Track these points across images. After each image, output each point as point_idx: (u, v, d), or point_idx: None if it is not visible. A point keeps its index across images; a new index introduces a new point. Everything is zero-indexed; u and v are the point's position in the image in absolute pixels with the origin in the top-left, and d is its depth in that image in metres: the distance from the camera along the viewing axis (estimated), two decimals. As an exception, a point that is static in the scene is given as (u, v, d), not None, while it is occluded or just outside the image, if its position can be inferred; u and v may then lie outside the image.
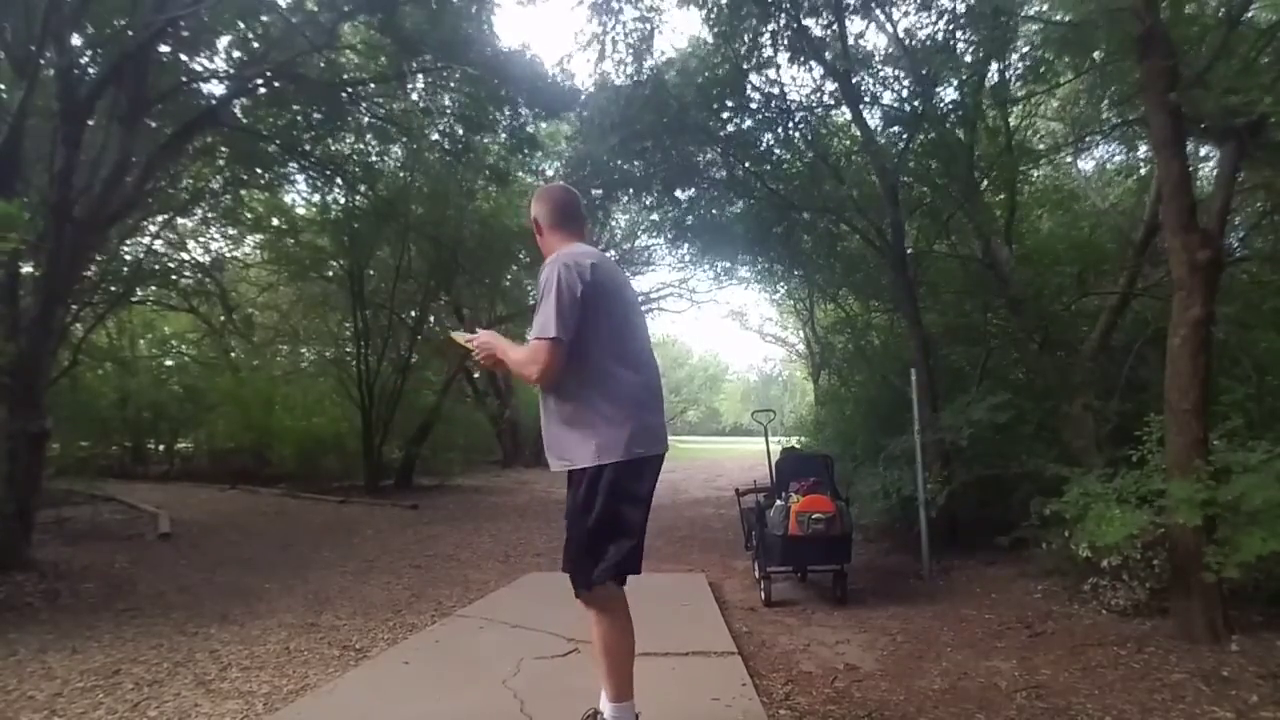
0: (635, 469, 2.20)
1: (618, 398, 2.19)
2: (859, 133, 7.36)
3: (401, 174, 11.69)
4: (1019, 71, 6.83)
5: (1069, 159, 9.29)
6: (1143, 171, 7.67)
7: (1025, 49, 6.59)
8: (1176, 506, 3.59)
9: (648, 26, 7.15)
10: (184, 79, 7.61)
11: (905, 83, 7.12)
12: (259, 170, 9.97)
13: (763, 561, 4.96)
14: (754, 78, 7.48)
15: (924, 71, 6.58)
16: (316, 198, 11.87)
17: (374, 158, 10.90)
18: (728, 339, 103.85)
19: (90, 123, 6.23)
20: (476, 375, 17.52)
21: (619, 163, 7.88)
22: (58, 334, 6.64)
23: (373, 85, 8.91)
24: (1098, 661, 3.52)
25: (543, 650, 3.51)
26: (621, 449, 2.16)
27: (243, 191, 10.84)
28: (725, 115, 7.75)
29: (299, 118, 8.86)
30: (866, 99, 7.24)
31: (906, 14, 6.90)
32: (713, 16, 6.94)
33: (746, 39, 7.10)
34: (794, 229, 8.46)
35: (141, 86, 6.41)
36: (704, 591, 4.89)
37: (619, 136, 7.34)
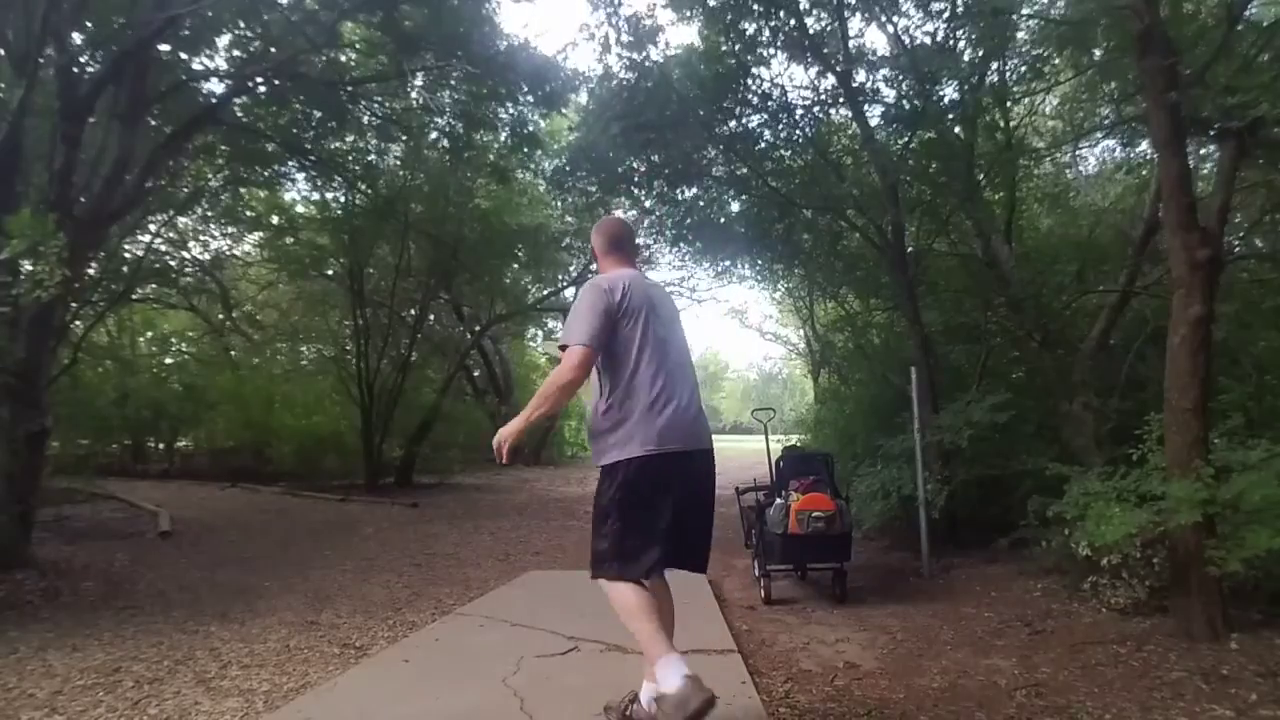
0: (652, 466, 2.40)
1: (637, 401, 2.45)
2: (859, 131, 7.36)
3: (402, 172, 11.68)
4: (1019, 70, 6.82)
5: (1069, 157, 9.28)
6: (1143, 170, 7.66)
7: (1025, 47, 6.59)
8: (1176, 505, 3.59)
9: (650, 23, 7.14)
10: (184, 77, 7.59)
11: (906, 81, 7.11)
12: (259, 168, 9.95)
13: (762, 559, 4.97)
14: (754, 74, 7.47)
15: (924, 70, 6.57)
16: (316, 196, 11.88)
17: (374, 156, 10.88)
18: (727, 337, 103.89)
19: (90, 121, 6.21)
20: (477, 374, 17.54)
21: (620, 156, 7.86)
22: (58, 332, 6.64)
23: (373, 84, 8.89)
24: (1097, 660, 3.52)
25: (543, 649, 3.52)
26: (636, 445, 2.41)
27: (242, 190, 10.83)
28: (725, 111, 7.72)
29: (299, 116, 8.84)
30: (865, 97, 7.23)
31: (906, 14, 6.90)
32: (711, 17, 6.93)
33: (746, 37, 7.08)
34: (794, 227, 8.44)
35: (141, 85, 6.40)
36: (703, 589, 4.87)
37: (620, 128, 7.33)
